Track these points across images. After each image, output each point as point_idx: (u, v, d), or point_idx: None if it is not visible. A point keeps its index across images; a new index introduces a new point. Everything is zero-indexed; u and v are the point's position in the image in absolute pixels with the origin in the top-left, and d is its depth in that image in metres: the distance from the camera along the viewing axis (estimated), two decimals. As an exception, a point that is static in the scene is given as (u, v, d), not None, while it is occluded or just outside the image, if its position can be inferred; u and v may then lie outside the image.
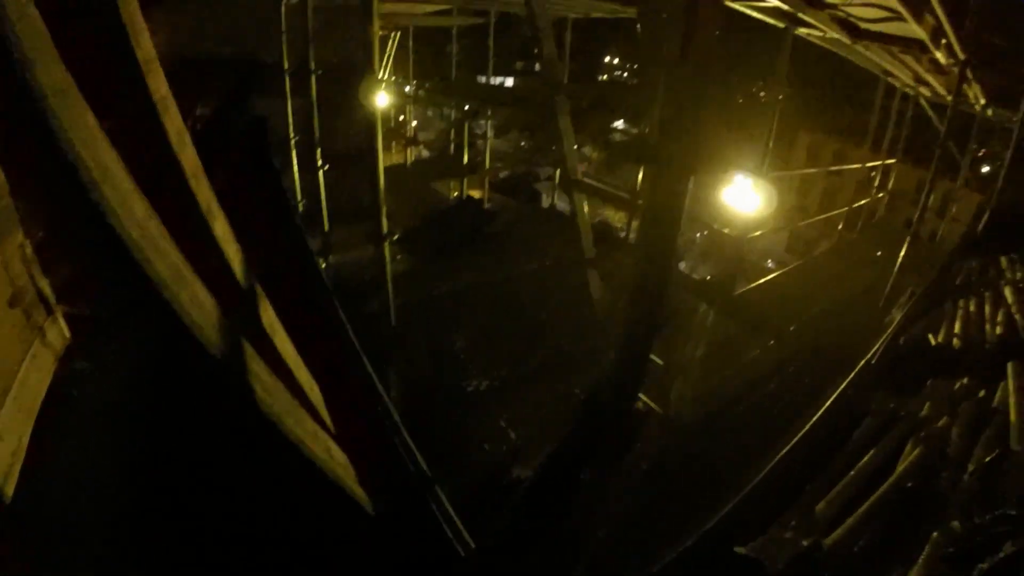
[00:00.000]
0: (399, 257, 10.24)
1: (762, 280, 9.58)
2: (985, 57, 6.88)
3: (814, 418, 3.49)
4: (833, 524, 2.38)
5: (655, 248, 2.17)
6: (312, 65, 6.71)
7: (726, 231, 8.31)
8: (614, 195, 8.76)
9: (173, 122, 2.06)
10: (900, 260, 7.50)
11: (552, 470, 2.58)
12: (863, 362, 4.33)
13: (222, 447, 2.07)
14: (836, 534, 2.07)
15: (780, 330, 8.29)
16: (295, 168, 7.80)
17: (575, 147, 4.48)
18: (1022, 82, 7.57)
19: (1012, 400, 2.99)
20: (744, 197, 8.45)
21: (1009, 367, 3.46)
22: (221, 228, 2.29)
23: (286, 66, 7.47)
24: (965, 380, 3.31)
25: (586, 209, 4.67)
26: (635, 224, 9.08)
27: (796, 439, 3.29)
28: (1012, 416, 2.83)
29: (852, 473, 2.69)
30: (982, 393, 3.27)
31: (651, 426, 5.72)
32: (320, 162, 6.75)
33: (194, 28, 9.09)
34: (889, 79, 10.87)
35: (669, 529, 5.17)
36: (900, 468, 2.54)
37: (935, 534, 2.06)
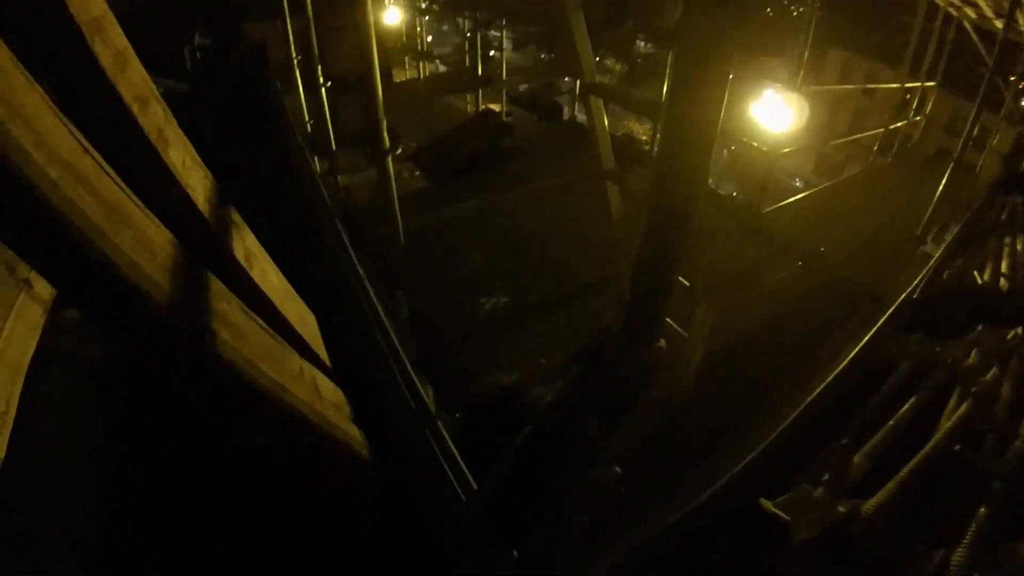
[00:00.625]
0: (414, 175, 9.96)
1: (790, 200, 9.19)
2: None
3: (849, 356, 3.24)
4: (868, 480, 2.18)
5: (682, 163, 1.80)
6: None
7: (756, 144, 7.93)
8: (637, 100, 8.27)
9: (109, 45, 1.79)
10: (940, 190, 7.07)
11: (550, 422, 2.37)
12: (903, 296, 4.04)
13: (184, 406, 1.88)
14: (875, 501, 1.85)
15: (808, 253, 8.00)
16: (300, 90, 7.47)
17: (591, 52, 4.12)
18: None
19: None
20: (774, 113, 8.04)
21: None
22: (178, 155, 2.03)
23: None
24: (1019, 330, 3.01)
25: (605, 119, 4.33)
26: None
27: (829, 379, 3.05)
28: None
29: (890, 423, 2.45)
30: None
31: (672, 353, 5.54)
32: (322, 80, 6.39)
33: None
34: (933, -1, 10.18)
35: (688, 468, 5.09)
36: (944, 426, 2.30)
37: (981, 510, 1.84)
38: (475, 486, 2.48)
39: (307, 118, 7.73)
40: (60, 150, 1.36)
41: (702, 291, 4.83)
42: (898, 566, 1.79)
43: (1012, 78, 9.76)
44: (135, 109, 1.78)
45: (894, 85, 10.72)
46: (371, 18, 3.96)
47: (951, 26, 11.11)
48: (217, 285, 1.92)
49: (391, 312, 5.98)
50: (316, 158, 7.15)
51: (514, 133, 10.44)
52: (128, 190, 1.62)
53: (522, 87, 15.18)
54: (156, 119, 1.92)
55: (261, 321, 2.14)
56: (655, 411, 5.32)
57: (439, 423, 2.73)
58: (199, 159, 2.23)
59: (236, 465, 2.21)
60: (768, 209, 8.67)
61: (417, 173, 9.70)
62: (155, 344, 1.63)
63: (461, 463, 2.57)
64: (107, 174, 1.55)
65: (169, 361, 1.71)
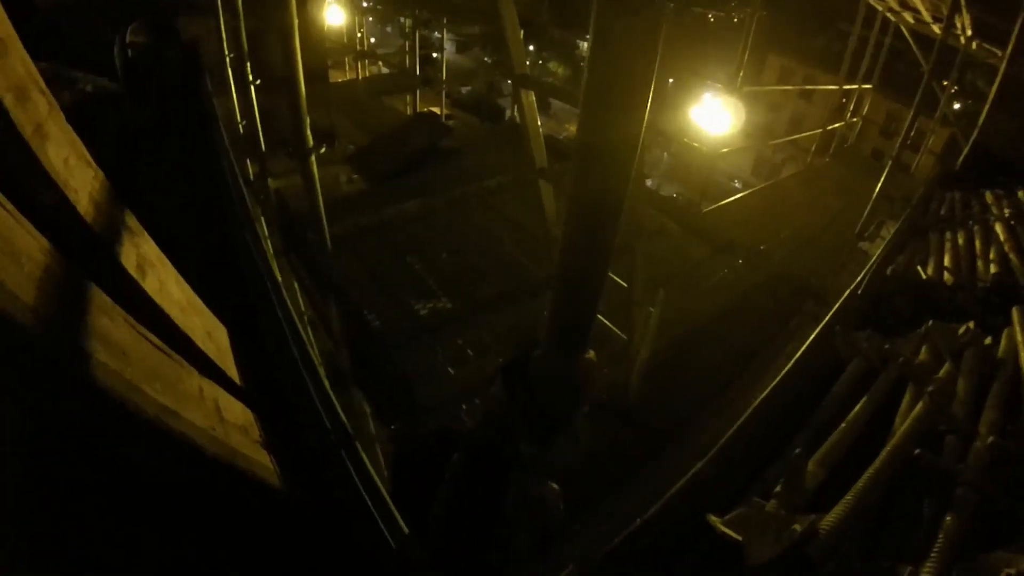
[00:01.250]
0: (352, 178, 9.70)
1: (730, 199, 9.25)
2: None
3: (796, 355, 3.15)
4: (823, 489, 2.06)
5: (605, 159, 1.53)
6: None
7: (696, 145, 7.95)
8: (566, 91, 8.21)
9: None
10: (878, 188, 7.16)
11: (478, 451, 2.19)
12: (847, 293, 3.99)
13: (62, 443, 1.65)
14: (833, 516, 1.72)
15: (748, 251, 8.02)
16: (232, 90, 7.17)
17: (521, 41, 3.96)
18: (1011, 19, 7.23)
19: (1023, 355, 2.66)
20: (714, 115, 8.09)
21: (1014, 313, 3.13)
22: (60, 153, 1.79)
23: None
24: (971, 325, 2.96)
25: (537, 116, 4.18)
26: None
27: (776, 380, 2.94)
28: None
29: (843, 426, 2.35)
30: (988, 340, 2.93)
31: (614, 355, 5.45)
32: (251, 78, 6.11)
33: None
34: (871, 1, 10.41)
35: (637, 471, 5.00)
36: (901, 428, 2.19)
37: (948, 519, 1.73)
38: (397, 515, 2.29)
39: (239, 119, 7.42)
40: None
41: (643, 292, 4.76)
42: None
43: (945, 82, 10.02)
44: (7, 101, 1.54)
45: (832, 87, 10.92)
46: (294, 12, 3.71)
47: (888, 32, 11.41)
48: (100, 298, 1.69)
49: (325, 321, 5.76)
50: (249, 160, 6.88)
51: (453, 134, 10.27)
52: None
53: (465, 89, 15.08)
54: (36, 113, 1.68)
55: (154, 338, 1.91)
56: (598, 418, 5.23)
57: (357, 445, 2.52)
58: (89, 158, 1.98)
59: (131, 494, 1.98)
60: (709, 209, 8.70)
61: (355, 176, 9.45)
62: (19, 370, 1.40)
63: (382, 489, 2.37)
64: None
65: (36, 388, 1.48)
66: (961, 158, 7.65)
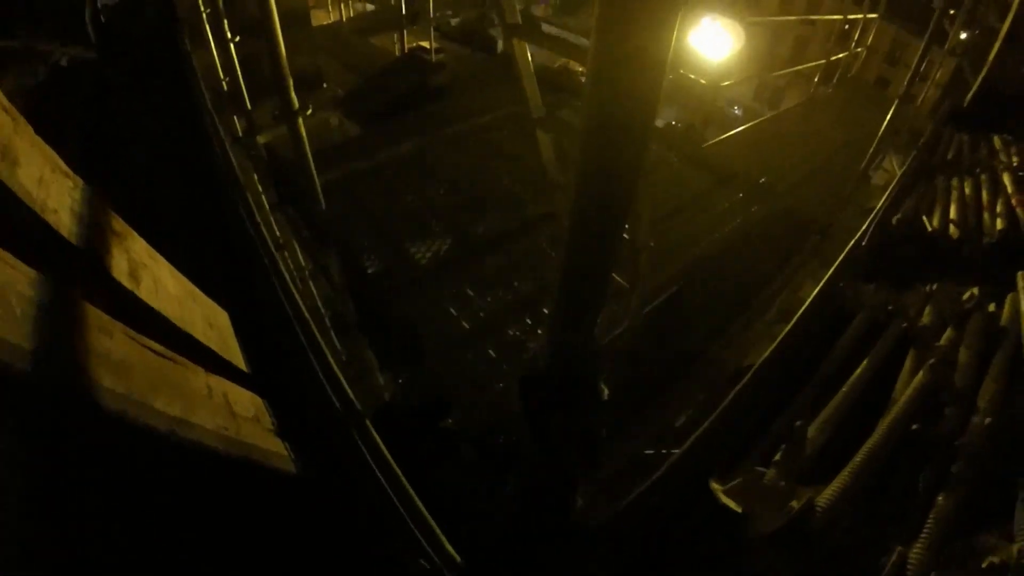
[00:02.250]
0: (343, 122, 9.54)
1: (731, 133, 9.08)
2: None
3: (801, 310, 3.16)
4: (824, 453, 2.10)
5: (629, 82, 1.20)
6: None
7: (693, 77, 7.74)
8: (571, 45, 8.00)
9: None
10: (884, 125, 7.00)
11: (525, 487, 2.23)
12: (851, 243, 3.97)
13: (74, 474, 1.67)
14: (830, 491, 1.76)
15: (749, 184, 7.94)
16: (211, 44, 6.96)
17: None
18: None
19: None
20: (713, 41, 7.85)
21: (1019, 278, 3.12)
22: (32, 172, 1.72)
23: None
24: (975, 291, 2.95)
25: (531, 64, 4.06)
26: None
27: (781, 337, 2.96)
28: None
29: (844, 388, 2.38)
30: (992, 307, 2.93)
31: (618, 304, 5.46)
32: (229, 35, 5.93)
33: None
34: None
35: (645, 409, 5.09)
36: (902, 398, 2.22)
37: (940, 498, 1.77)
38: (410, 490, 2.34)
39: (221, 74, 7.23)
40: None
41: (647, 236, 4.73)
42: (858, 562, 1.72)
43: (952, 11, 9.70)
44: None
45: (836, 17, 10.57)
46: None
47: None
48: (96, 317, 1.69)
49: (326, 272, 5.76)
50: (235, 117, 6.75)
51: (444, 70, 10.03)
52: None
53: (454, 21, 14.64)
54: (1, 136, 1.64)
55: (156, 344, 1.92)
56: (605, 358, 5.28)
57: (367, 422, 2.56)
58: (64, 167, 1.94)
59: (149, 503, 2.02)
60: (709, 143, 8.56)
61: (346, 120, 9.30)
62: (25, 413, 1.41)
63: (393, 465, 2.42)
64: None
65: (46, 427, 1.50)
66: (970, 95, 7.49)
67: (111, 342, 1.69)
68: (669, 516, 2.23)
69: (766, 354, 2.82)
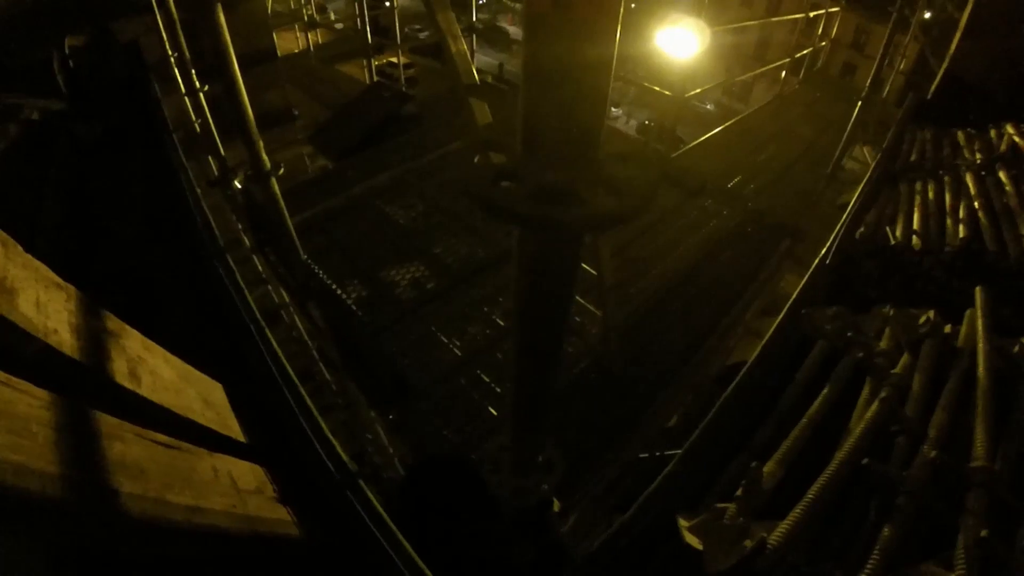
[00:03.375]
0: (315, 158, 9.66)
1: (698, 140, 9.27)
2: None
3: (765, 338, 3.35)
4: (782, 489, 2.28)
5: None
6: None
7: (658, 89, 7.90)
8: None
9: None
10: (853, 120, 7.21)
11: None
12: (816, 263, 4.16)
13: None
14: (781, 530, 1.94)
15: (718, 191, 8.12)
16: (181, 88, 7.05)
17: (464, 46, 3.95)
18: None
19: (980, 348, 2.85)
20: (678, 40, 7.99)
21: (977, 294, 3.31)
22: (30, 299, 1.86)
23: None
24: (931, 314, 3.13)
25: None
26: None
27: (746, 368, 3.15)
28: (980, 369, 2.69)
29: (803, 420, 2.56)
30: (948, 328, 3.12)
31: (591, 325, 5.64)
32: (198, 84, 6.05)
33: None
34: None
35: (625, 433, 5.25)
36: (856, 430, 2.40)
37: (886, 531, 1.95)
38: (406, 544, 2.51)
39: (193, 117, 7.33)
40: None
41: (613, 274, 4.89)
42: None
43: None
44: None
45: (798, 16, 10.81)
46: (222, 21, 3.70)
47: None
48: (107, 424, 1.85)
49: (307, 314, 5.88)
50: (210, 158, 6.86)
51: (414, 98, 10.15)
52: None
53: (423, 35, 14.74)
54: None
55: (161, 437, 2.08)
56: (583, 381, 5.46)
57: (360, 482, 2.73)
58: (56, 280, 2.09)
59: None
60: (678, 152, 8.75)
61: (317, 155, 9.42)
62: (57, 532, 1.57)
63: (388, 521, 2.59)
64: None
65: (74, 539, 1.65)
66: (933, 87, 7.70)
67: (124, 446, 1.84)
68: (639, 555, 2.40)
69: (730, 388, 3.00)
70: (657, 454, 4.71)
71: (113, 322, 2.28)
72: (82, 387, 1.90)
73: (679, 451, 2.83)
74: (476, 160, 0.96)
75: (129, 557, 1.83)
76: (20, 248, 1.96)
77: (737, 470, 2.50)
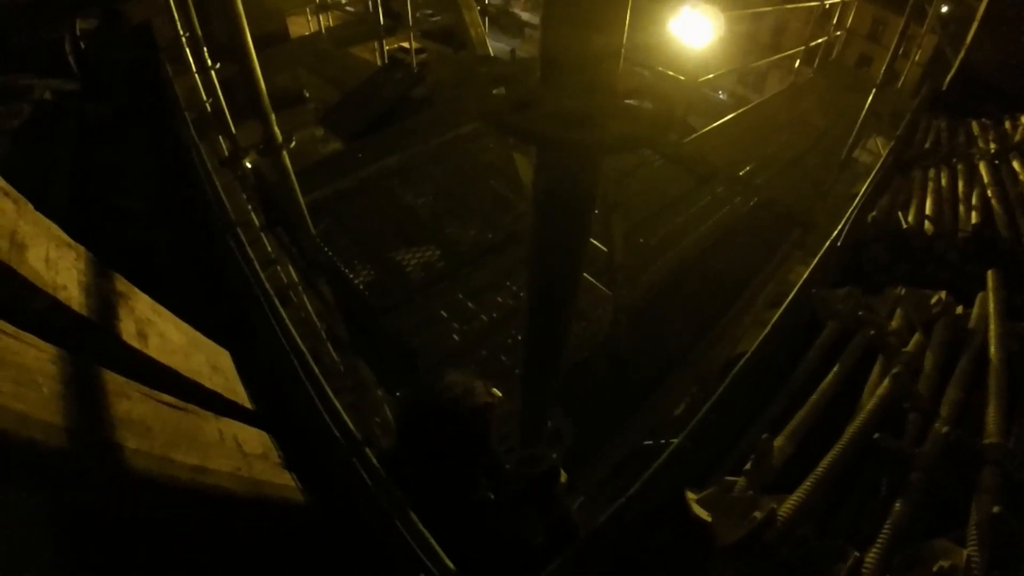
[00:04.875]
0: (326, 139, 9.65)
1: (711, 127, 9.20)
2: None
3: (775, 317, 3.33)
4: (792, 463, 2.26)
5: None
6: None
7: (672, 74, 7.85)
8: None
9: None
10: (866, 109, 7.13)
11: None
12: (827, 245, 4.13)
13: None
14: (790, 503, 1.92)
15: (729, 178, 8.07)
16: (192, 68, 7.03)
17: (479, 19, 3.94)
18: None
19: (992, 329, 2.82)
20: (693, 27, 7.94)
21: (989, 277, 3.28)
22: (39, 254, 1.85)
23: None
24: (942, 295, 3.11)
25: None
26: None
27: (755, 345, 3.13)
28: (991, 349, 2.67)
29: (814, 397, 2.55)
30: (960, 309, 3.09)
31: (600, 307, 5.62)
32: (210, 62, 6.03)
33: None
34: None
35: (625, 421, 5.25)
36: (866, 407, 2.38)
37: (897, 506, 1.93)
38: (413, 516, 2.50)
39: (204, 97, 7.31)
40: None
41: (625, 254, 4.88)
42: (814, 568, 1.88)
43: None
44: None
45: (814, 3, 10.70)
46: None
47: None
48: (113, 382, 1.84)
49: (317, 292, 5.88)
50: (221, 139, 6.85)
51: (426, 80, 10.12)
52: (-4, 320, 1.53)
53: (434, 19, 14.68)
54: (5, 224, 1.76)
55: (168, 398, 2.07)
56: (590, 365, 5.45)
57: (367, 450, 2.72)
58: (67, 239, 2.08)
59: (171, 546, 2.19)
60: (689, 138, 8.69)
61: (327, 136, 9.41)
62: (60, 484, 1.57)
63: (394, 488, 2.59)
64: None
65: (79, 493, 1.66)
66: (948, 78, 7.62)
67: (130, 404, 1.84)
68: (646, 528, 2.39)
69: (739, 366, 2.98)
70: (663, 442, 4.70)
71: (122, 283, 2.27)
72: (89, 344, 1.89)
73: (675, 441, 2.82)
74: (494, 91, 0.96)
75: (132, 517, 1.83)
76: (31, 206, 1.95)
77: (747, 445, 2.49)
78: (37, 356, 1.59)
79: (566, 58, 0.87)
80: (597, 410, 5.09)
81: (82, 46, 7.74)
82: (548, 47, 0.87)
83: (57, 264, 1.92)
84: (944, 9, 9.91)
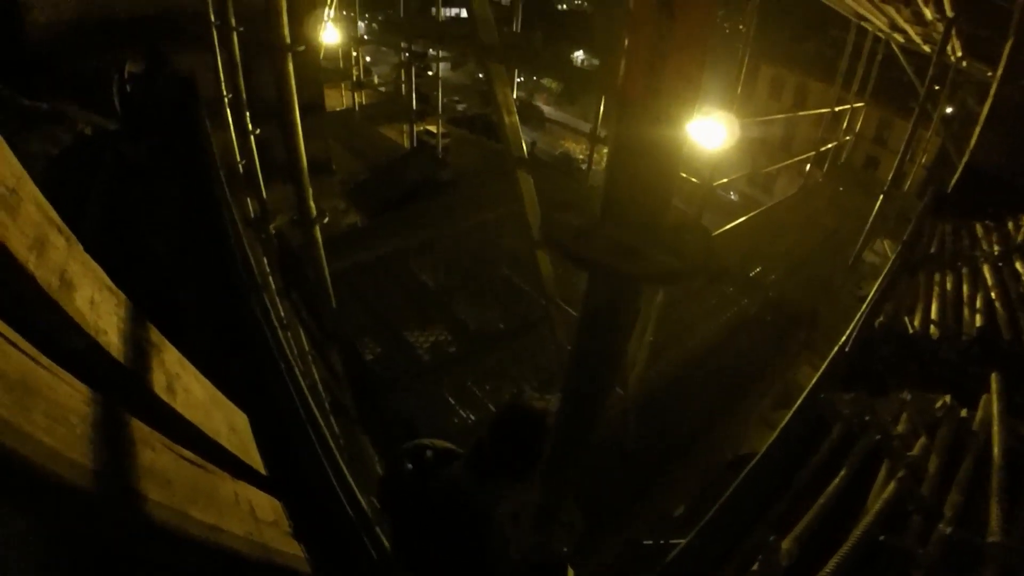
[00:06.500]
0: (350, 212, 9.84)
1: (723, 229, 9.38)
2: (970, 13, 6.62)
3: (784, 421, 3.33)
4: (798, 566, 2.23)
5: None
6: (232, 20, 6.12)
7: (684, 176, 8.04)
8: (573, 128, 8.33)
9: None
10: (874, 214, 7.28)
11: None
12: (835, 350, 4.16)
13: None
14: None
15: (740, 278, 8.16)
16: (230, 126, 7.25)
17: (517, 120, 4.11)
18: (1002, 36, 7.28)
19: (996, 431, 2.83)
20: (709, 131, 8.18)
21: (993, 380, 3.30)
22: (85, 295, 1.88)
23: (212, 17, 6.85)
24: (947, 399, 3.14)
25: (532, 186, 4.32)
26: (598, 157, 8.75)
27: (765, 449, 3.12)
28: (995, 450, 2.67)
29: (821, 500, 2.53)
30: (964, 412, 3.11)
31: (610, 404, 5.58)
32: (251, 126, 6.23)
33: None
34: (862, 23, 10.55)
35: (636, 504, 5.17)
36: (872, 509, 2.37)
37: None
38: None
39: (238, 157, 7.51)
40: None
41: (637, 350, 4.90)
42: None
43: (937, 87, 10.10)
44: (31, 262, 1.65)
45: (824, 110, 11.07)
46: (291, 82, 3.85)
47: (880, 44, 11.55)
48: (140, 430, 1.84)
49: (327, 360, 5.88)
50: (249, 199, 6.99)
51: (450, 166, 10.39)
52: (35, 353, 1.54)
53: (460, 106, 15.20)
54: (57, 260, 1.80)
55: (189, 454, 2.07)
56: (596, 456, 5.38)
57: (376, 528, 2.68)
58: (109, 284, 2.12)
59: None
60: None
61: (351, 210, 9.60)
62: (80, 523, 1.55)
63: (400, 568, 2.53)
64: (10, 343, 1.46)
65: (97, 534, 1.64)
66: (953, 181, 7.78)
67: (154, 455, 1.83)
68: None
69: (748, 468, 2.97)
70: (661, 542, 4.62)
71: (155, 334, 2.30)
72: (121, 391, 1.91)
73: (683, 541, 2.78)
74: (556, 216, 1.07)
75: (147, 564, 1.80)
76: (81, 247, 1.99)
77: (753, 544, 2.45)
78: (71, 394, 1.60)
79: (625, 198, 0.97)
80: (599, 502, 5.01)
81: (127, 88, 7.99)
82: (611, 187, 0.98)
83: (100, 308, 1.95)
84: (948, 110, 10.20)
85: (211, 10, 6.90)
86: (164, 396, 2.12)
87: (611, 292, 1.21)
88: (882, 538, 2.19)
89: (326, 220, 4.31)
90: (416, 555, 2.42)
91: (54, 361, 1.60)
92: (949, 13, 6.14)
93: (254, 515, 2.26)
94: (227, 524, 2.00)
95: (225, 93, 7.19)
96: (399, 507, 2.38)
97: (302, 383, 3.29)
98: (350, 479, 2.85)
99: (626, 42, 0.82)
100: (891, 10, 7.96)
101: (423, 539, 2.37)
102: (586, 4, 50.50)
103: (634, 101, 0.87)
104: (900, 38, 10.57)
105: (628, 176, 0.97)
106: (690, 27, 0.76)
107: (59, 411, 1.49)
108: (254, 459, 2.70)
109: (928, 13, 6.56)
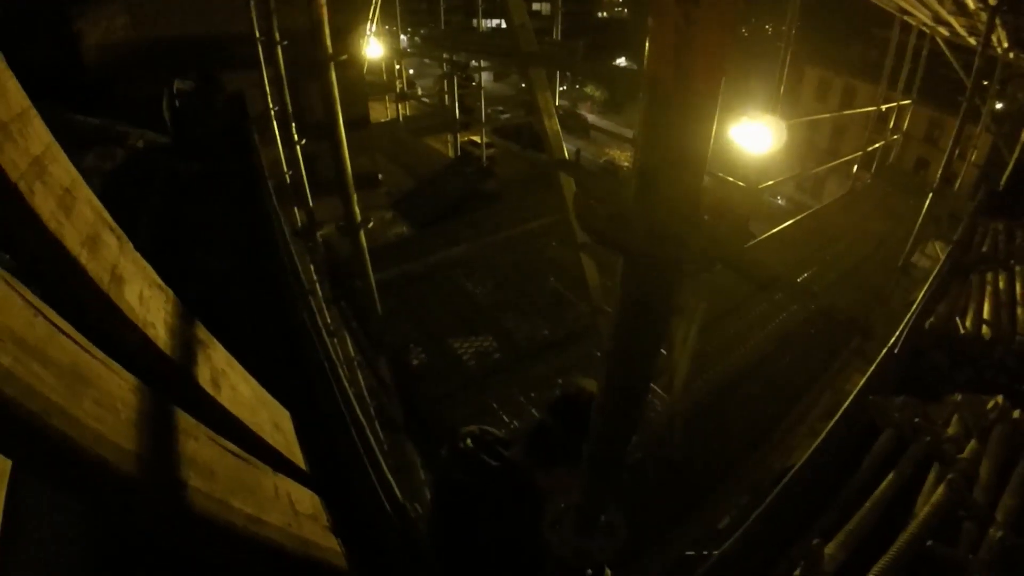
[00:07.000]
0: (396, 223, 9.98)
1: (770, 233, 9.23)
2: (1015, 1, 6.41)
3: (829, 425, 3.26)
4: (844, 572, 2.18)
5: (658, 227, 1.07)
6: (276, 36, 6.28)
7: (731, 180, 7.94)
8: (617, 135, 8.34)
9: (52, 189, 1.71)
10: (923, 214, 7.08)
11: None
12: (884, 351, 4.06)
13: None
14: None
15: (789, 285, 8.01)
16: (278, 140, 7.43)
17: (557, 125, 4.10)
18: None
19: None
20: (754, 135, 8.05)
21: None
22: (135, 290, 1.97)
23: (257, 35, 7.06)
24: (999, 399, 3.03)
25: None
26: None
27: (810, 452, 3.06)
28: None
29: (867, 505, 2.46)
30: (1016, 413, 3.00)
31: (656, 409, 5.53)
32: (296, 137, 6.38)
33: (160, 9, 8.77)
34: (905, 17, 10.31)
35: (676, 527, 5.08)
36: (921, 513, 2.30)
37: None
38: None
39: (285, 168, 7.69)
40: (12, 323, 1.33)
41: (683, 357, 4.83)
42: None
43: (986, 82, 9.81)
44: (84, 256, 1.73)
45: (871, 108, 10.82)
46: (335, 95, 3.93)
47: (925, 40, 11.26)
48: (185, 421, 1.90)
49: (375, 369, 5.94)
50: (296, 209, 7.13)
51: (495, 176, 10.46)
52: (87, 343, 1.60)
53: (504, 116, 15.27)
54: (109, 257, 1.89)
55: (233, 446, 2.12)
56: (643, 466, 5.32)
57: (416, 526, 2.70)
58: (159, 281, 2.20)
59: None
60: (752, 242, 8.70)
61: (398, 221, 9.73)
62: (124, 507, 1.61)
63: (437, 566, 2.54)
64: (63, 333, 1.53)
65: (140, 519, 1.69)
66: (1004, 178, 7.55)
67: (197, 445, 1.89)
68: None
69: (790, 474, 2.91)
70: (704, 553, 4.55)
71: (203, 332, 2.37)
72: (168, 383, 1.97)
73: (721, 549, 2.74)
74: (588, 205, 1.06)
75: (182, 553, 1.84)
76: (131, 245, 2.07)
77: (799, 551, 2.40)
78: (120, 384, 1.66)
79: (657, 184, 0.95)
80: (645, 513, 4.95)
81: (177, 105, 8.26)
82: (642, 174, 0.96)
83: (149, 303, 2.02)
84: (999, 106, 9.87)
85: (255, 27, 7.11)
86: (210, 390, 2.18)
87: (646, 279, 1.20)
88: (929, 543, 2.13)
89: (370, 225, 4.37)
90: (462, 541, 2.41)
91: (104, 351, 1.66)
92: (991, 1, 5.91)
93: (294, 508, 2.30)
94: (267, 516, 2.05)
95: (272, 107, 7.37)
96: (456, 487, 2.37)
97: (347, 388, 3.34)
98: (390, 478, 2.87)
99: (651, 24, 0.81)
100: (933, 2, 7.74)
101: (475, 522, 2.36)
102: (626, 12, 50.21)
103: (660, 84, 0.86)
104: (945, 31, 10.28)
105: (658, 160, 0.97)
106: (715, 9, 0.75)
107: (107, 399, 1.55)
108: (296, 456, 2.75)
109: (971, 3, 6.34)
